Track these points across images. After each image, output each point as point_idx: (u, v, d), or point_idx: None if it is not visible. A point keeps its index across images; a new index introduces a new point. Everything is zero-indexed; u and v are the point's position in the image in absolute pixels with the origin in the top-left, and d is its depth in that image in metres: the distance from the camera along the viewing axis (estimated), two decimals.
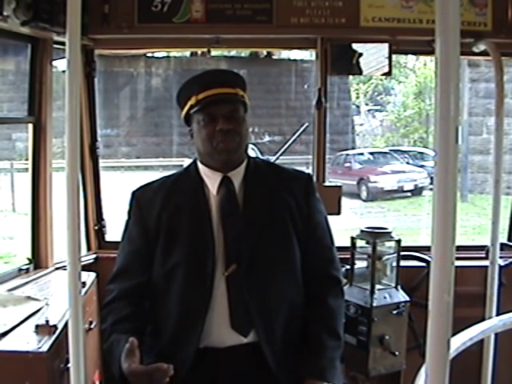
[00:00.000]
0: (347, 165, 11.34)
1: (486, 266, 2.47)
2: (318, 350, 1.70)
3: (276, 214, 1.76)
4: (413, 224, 9.23)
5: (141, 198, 1.81)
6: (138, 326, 1.68)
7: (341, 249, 2.04)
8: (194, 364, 1.68)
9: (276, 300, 1.72)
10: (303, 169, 2.16)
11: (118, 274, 1.79)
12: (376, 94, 14.15)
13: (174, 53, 11.27)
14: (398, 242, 2.42)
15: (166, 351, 1.70)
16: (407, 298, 2.40)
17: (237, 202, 1.75)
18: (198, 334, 1.68)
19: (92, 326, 2.20)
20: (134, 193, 1.83)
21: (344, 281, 2.29)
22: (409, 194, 10.98)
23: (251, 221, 1.74)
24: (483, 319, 2.06)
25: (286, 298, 1.74)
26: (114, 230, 2.64)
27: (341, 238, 2.49)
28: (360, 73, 2.73)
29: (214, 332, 1.69)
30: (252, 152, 9.41)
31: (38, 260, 2.52)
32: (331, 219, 1.91)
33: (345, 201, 2.78)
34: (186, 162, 1.87)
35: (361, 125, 14.03)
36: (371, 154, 12.20)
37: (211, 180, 1.77)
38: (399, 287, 2.42)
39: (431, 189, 7.43)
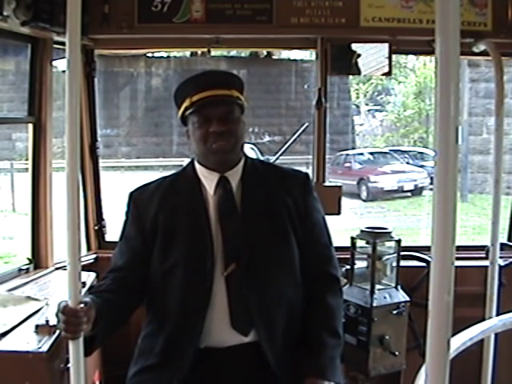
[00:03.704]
0: (347, 165, 11.35)
1: (486, 266, 2.47)
2: (318, 348, 1.70)
3: (274, 213, 1.76)
4: (413, 224, 9.22)
5: (138, 199, 1.81)
6: (113, 299, 1.64)
7: (341, 249, 2.04)
8: (194, 364, 1.68)
9: (276, 299, 1.71)
10: (303, 169, 2.16)
11: (114, 270, 1.78)
12: (376, 94, 14.16)
13: (174, 53, 11.28)
14: (398, 242, 2.42)
15: (165, 352, 1.70)
16: (407, 298, 2.40)
17: (234, 202, 1.75)
18: (198, 334, 1.67)
19: None
20: (131, 193, 1.83)
21: (344, 281, 2.29)
22: (409, 194, 10.98)
23: (249, 220, 1.74)
24: (483, 319, 2.06)
25: (286, 296, 1.74)
26: (114, 230, 2.63)
27: (341, 238, 2.50)
28: (359, 73, 2.73)
29: (214, 332, 1.69)
30: (252, 152, 9.41)
31: (38, 260, 2.52)
32: (331, 219, 1.92)
33: (345, 201, 2.78)
34: (186, 162, 1.87)
35: (361, 125, 14.03)
36: (371, 153, 12.20)
37: (208, 180, 1.77)
38: (399, 287, 2.42)
39: (431, 189, 7.42)
